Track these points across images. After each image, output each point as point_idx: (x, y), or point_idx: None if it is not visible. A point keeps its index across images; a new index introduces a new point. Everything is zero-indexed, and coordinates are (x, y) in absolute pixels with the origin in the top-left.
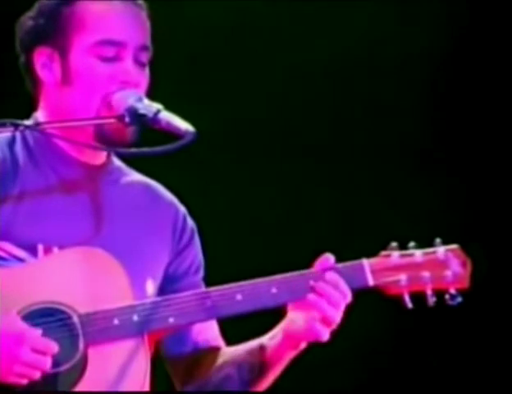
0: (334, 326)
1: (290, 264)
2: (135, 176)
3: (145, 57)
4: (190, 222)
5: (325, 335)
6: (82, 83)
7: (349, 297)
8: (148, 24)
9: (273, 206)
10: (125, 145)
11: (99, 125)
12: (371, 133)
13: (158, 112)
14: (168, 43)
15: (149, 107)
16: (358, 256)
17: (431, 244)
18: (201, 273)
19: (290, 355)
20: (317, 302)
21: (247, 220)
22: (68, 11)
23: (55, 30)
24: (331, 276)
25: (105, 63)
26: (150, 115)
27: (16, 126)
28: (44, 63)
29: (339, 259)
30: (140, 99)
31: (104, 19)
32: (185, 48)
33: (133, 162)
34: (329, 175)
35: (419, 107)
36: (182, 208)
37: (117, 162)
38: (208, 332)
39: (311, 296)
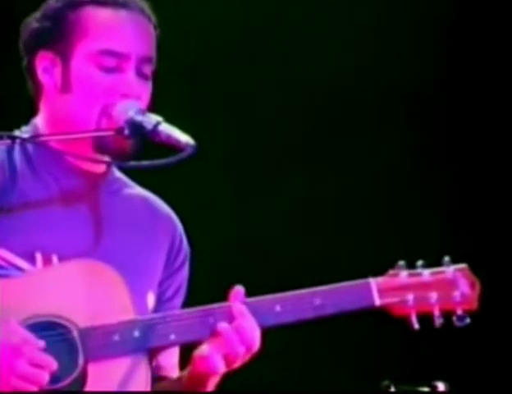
0: (236, 359)
1: (294, 283)
2: (136, 189)
3: (148, 69)
4: (186, 246)
5: (221, 368)
6: (81, 91)
7: (251, 335)
8: (153, 36)
9: (274, 222)
10: (125, 157)
11: (99, 135)
12: (377, 152)
13: (158, 124)
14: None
15: (149, 119)
16: (365, 274)
17: (439, 262)
18: (183, 298)
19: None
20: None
21: (247, 235)
22: (73, 16)
23: (59, 35)
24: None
25: (106, 73)
26: (150, 127)
27: (13, 139)
28: (46, 67)
29: (347, 277)
30: (140, 111)
31: (108, 28)
32: (183, 60)
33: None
34: (334, 190)
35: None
36: (180, 229)
37: (118, 173)
38: (164, 360)
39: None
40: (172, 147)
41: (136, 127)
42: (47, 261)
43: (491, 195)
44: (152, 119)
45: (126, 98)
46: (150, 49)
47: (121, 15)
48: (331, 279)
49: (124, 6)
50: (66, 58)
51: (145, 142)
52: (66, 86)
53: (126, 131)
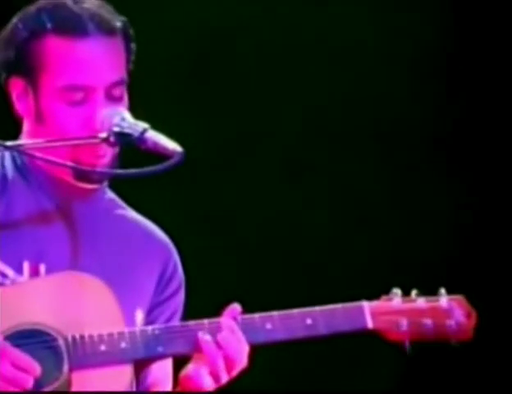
0: (223, 375)
1: (288, 300)
2: (131, 213)
3: (119, 90)
4: (180, 275)
5: (207, 385)
6: (53, 126)
7: (235, 350)
8: (122, 54)
9: (267, 238)
10: (102, 180)
11: (76, 163)
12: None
13: (145, 131)
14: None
15: (135, 126)
16: (358, 298)
17: (434, 293)
18: None
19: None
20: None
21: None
22: (36, 47)
23: (24, 66)
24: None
25: (74, 107)
26: (136, 134)
27: None
28: (19, 95)
29: (340, 299)
30: (125, 118)
31: (70, 62)
32: (175, 64)
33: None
34: (332, 203)
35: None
36: (175, 257)
37: (111, 194)
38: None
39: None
40: (159, 154)
41: (122, 134)
42: (34, 270)
43: (489, 227)
44: (138, 126)
45: (96, 131)
46: (118, 72)
47: (83, 46)
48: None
49: (86, 32)
50: (35, 89)
51: (131, 149)
52: (39, 117)
53: (112, 139)
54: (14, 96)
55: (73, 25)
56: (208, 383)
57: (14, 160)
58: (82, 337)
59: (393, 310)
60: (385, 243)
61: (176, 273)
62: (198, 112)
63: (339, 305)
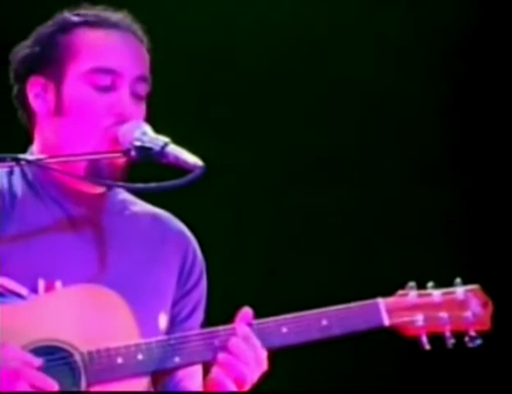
0: (245, 381)
1: (304, 300)
2: (144, 207)
3: (142, 89)
4: (200, 262)
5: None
6: (76, 113)
7: (254, 357)
8: (147, 57)
9: (286, 242)
10: (115, 180)
11: (92, 160)
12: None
13: (166, 145)
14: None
15: (156, 140)
16: (373, 295)
17: (450, 284)
18: (201, 317)
19: None
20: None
21: (259, 256)
22: (64, 39)
23: (50, 59)
24: (239, 334)
25: (100, 93)
26: (157, 149)
27: (17, 161)
28: (38, 93)
29: (354, 298)
30: (146, 132)
31: (100, 46)
32: (192, 78)
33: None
34: (346, 214)
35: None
36: (193, 245)
37: (123, 194)
38: (190, 381)
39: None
40: (180, 168)
41: (143, 149)
42: (50, 287)
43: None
44: (159, 140)
45: (122, 117)
46: (143, 68)
47: (112, 35)
48: (339, 300)
49: (116, 26)
50: (58, 82)
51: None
52: (59, 110)
53: (133, 153)
54: (31, 96)
55: (105, 21)
56: (233, 389)
57: (24, 175)
58: (98, 351)
59: (408, 306)
60: (393, 241)
61: (196, 260)
62: (200, 119)
63: (354, 304)
